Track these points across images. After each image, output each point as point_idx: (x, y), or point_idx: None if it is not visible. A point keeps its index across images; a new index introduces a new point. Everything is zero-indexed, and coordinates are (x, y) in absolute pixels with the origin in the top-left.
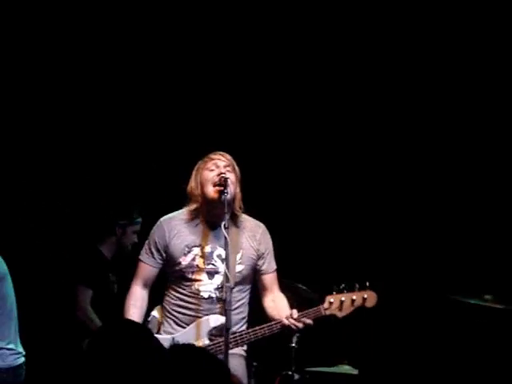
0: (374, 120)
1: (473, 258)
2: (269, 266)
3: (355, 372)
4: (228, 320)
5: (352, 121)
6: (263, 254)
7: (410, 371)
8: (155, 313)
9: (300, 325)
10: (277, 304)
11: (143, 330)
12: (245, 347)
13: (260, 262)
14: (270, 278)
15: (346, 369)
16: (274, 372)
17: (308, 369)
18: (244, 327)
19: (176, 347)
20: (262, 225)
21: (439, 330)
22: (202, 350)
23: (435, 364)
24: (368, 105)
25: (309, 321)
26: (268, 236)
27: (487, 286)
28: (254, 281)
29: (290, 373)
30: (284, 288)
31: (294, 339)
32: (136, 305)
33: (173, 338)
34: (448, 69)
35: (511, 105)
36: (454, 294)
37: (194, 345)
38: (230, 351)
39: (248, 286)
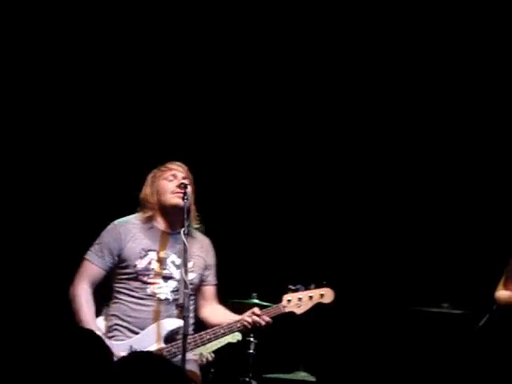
0: (330, 122)
1: (427, 270)
2: (212, 278)
3: (312, 379)
4: (186, 326)
5: (306, 127)
6: (210, 265)
7: (367, 379)
8: (99, 322)
9: (262, 321)
10: (217, 312)
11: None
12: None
13: (206, 273)
14: (211, 290)
15: (302, 375)
16: (231, 378)
17: (265, 375)
18: (192, 332)
19: (132, 356)
20: (207, 238)
21: (398, 338)
22: (159, 357)
23: (394, 370)
24: (334, 104)
25: (268, 318)
26: (213, 249)
27: (443, 296)
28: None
29: (248, 379)
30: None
31: (252, 346)
32: (88, 303)
33: (130, 346)
34: (447, 69)
35: (507, 105)
36: (414, 304)
37: (151, 352)
38: (187, 357)
39: (194, 296)
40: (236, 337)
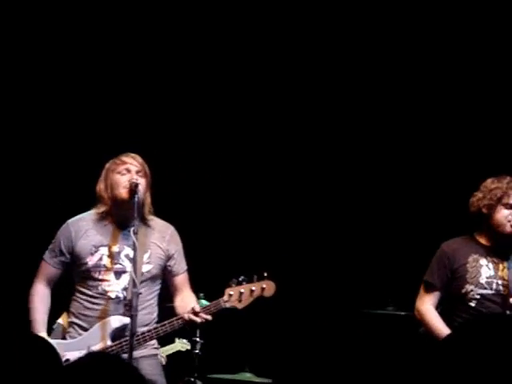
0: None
1: (372, 273)
2: (179, 266)
3: (257, 379)
4: (133, 324)
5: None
6: (173, 254)
7: (313, 379)
8: (60, 320)
9: (198, 319)
10: (185, 302)
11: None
12: (155, 346)
13: (171, 263)
14: (180, 279)
15: (247, 376)
16: (176, 378)
17: (210, 375)
18: (152, 327)
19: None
20: (171, 226)
21: (343, 339)
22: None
23: (338, 370)
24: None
25: (206, 316)
26: (177, 237)
27: (388, 298)
28: (164, 281)
29: (193, 379)
30: None
31: (198, 346)
32: (41, 302)
33: (88, 347)
34: (445, 70)
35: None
36: (359, 306)
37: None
38: (142, 353)
39: (157, 287)
40: (185, 346)
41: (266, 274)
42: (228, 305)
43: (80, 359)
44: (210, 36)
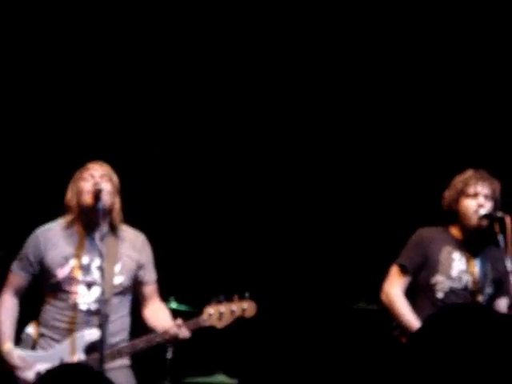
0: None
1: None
2: (150, 276)
3: (231, 381)
4: (104, 334)
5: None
6: (144, 264)
7: (287, 379)
8: (29, 330)
9: (179, 336)
10: (158, 315)
11: None
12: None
13: (141, 273)
14: (150, 289)
15: (221, 379)
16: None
17: (184, 379)
18: (125, 338)
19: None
20: (141, 235)
21: (317, 337)
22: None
23: (313, 368)
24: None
25: (187, 333)
26: (148, 246)
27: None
28: (134, 291)
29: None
30: None
31: (169, 351)
32: (7, 313)
33: (61, 359)
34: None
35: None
36: (331, 302)
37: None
38: (114, 364)
39: (129, 298)
40: None
41: (247, 294)
42: (207, 323)
43: (51, 371)
44: (204, 35)
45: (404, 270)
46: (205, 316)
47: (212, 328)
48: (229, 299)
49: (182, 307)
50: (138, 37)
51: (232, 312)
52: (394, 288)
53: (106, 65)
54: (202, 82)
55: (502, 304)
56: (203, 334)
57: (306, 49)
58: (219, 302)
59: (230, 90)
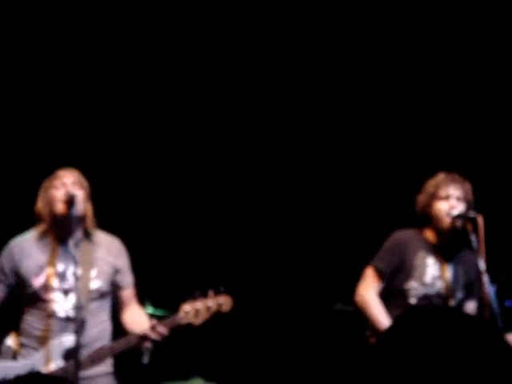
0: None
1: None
2: (127, 280)
3: None
4: (79, 340)
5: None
6: (120, 268)
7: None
8: (9, 342)
9: (155, 336)
10: (136, 318)
11: None
12: (109, 363)
13: (118, 277)
14: (128, 293)
15: (199, 383)
16: None
17: (161, 383)
18: (106, 343)
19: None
20: (116, 239)
21: (295, 339)
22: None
23: (292, 371)
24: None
25: (164, 331)
26: (124, 251)
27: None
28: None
29: None
30: None
31: (146, 356)
32: None
33: (33, 365)
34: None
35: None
36: (309, 305)
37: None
38: (96, 371)
39: (108, 303)
40: None
41: (222, 289)
42: (184, 321)
43: (19, 378)
44: (202, 35)
45: (380, 274)
46: (181, 314)
47: (189, 327)
48: (204, 295)
49: (159, 312)
50: (131, 36)
51: (208, 308)
52: (369, 290)
53: (87, 66)
54: (199, 82)
55: (470, 307)
56: (180, 336)
57: (306, 49)
58: (194, 298)
59: (227, 89)
